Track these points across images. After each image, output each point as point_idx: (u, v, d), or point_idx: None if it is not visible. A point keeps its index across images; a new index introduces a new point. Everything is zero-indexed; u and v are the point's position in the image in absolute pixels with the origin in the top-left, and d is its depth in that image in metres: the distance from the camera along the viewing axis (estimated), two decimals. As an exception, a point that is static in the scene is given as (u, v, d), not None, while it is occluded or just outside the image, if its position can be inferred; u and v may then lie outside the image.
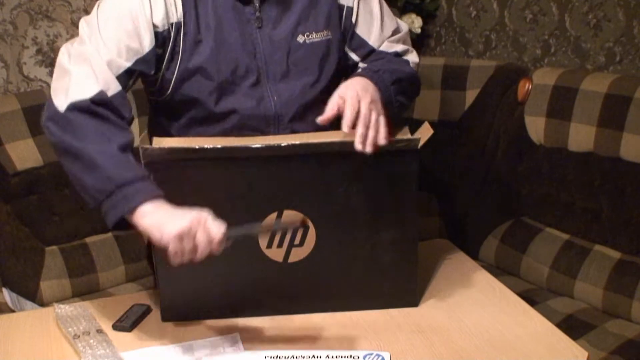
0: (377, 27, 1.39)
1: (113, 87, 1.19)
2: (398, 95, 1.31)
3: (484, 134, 2.00)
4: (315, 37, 1.33)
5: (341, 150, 1.18)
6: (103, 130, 1.14)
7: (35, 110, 1.79)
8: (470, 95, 2.04)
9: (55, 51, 1.99)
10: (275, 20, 1.30)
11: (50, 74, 2.01)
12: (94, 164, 1.11)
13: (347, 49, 1.39)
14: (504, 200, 1.97)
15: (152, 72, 1.28)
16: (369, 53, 1.41)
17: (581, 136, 1.78)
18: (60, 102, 1.15)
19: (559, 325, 1.33)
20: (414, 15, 2.33)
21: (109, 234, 1.90)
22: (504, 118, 1.97)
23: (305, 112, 1.34)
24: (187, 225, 1.03)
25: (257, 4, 1.29)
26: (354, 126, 1.15)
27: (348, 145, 1.16)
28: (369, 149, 1.15)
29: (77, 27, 1.27)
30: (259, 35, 1.29)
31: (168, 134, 1.34)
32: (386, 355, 1.15)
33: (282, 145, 1.18)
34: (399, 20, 1.46)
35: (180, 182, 1.18)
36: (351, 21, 1.37)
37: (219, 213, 1.20)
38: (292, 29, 1.31)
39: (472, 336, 1.21)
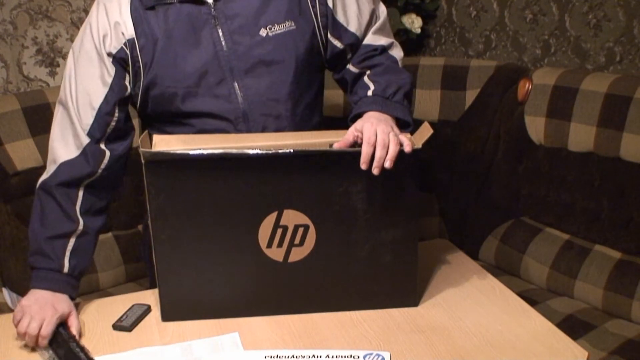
0: (354, 11, 1.38)
1: (83, 145, 1.31)
2: (408, 113, 1.33)
3: (484, 134, 2.00)
4: (278, 29, 1.32)
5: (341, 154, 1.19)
6: (49, 214, 1.30)
7: (35, 110, 1.79)
8: (470, 95, 2.04)
9: (55, 51, 1.99)
10: (233, 17, 1.30)
11: (50, 74, 2.01)
12: (31, 239, 1.31)
13: (329, 37, 1.38)
14: (504, 200, 1.97)
15: (127, 93, 1.32)
16: (354, 44, 1.39)
17: (581, 136, 1.78)
18: (42, 178, 1.32)
19: (559, 325, 1.32)
20: (414, 15, 2.33)
21: (109, 234, 1.90)
22: (504, 118, 1.97)
23: (276, 107, 1.34)
24: (28, 306, 1.22)
25: (211, 2, 1.29)
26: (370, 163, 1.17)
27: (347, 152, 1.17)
28: (376, 171, 1.15)
29: (77, 27, 1.28)
30: (219, 33, 1.30)
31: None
32: (386, 355, 1.15)
33: (280, 152, 1.17)
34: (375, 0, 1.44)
35: (179, 182, 1.18)
36: (326, 6, 1.35)
37: (219, 213, 1.20)
38: (252, 22, 1.31)
39: (472, 336, 1.21)
